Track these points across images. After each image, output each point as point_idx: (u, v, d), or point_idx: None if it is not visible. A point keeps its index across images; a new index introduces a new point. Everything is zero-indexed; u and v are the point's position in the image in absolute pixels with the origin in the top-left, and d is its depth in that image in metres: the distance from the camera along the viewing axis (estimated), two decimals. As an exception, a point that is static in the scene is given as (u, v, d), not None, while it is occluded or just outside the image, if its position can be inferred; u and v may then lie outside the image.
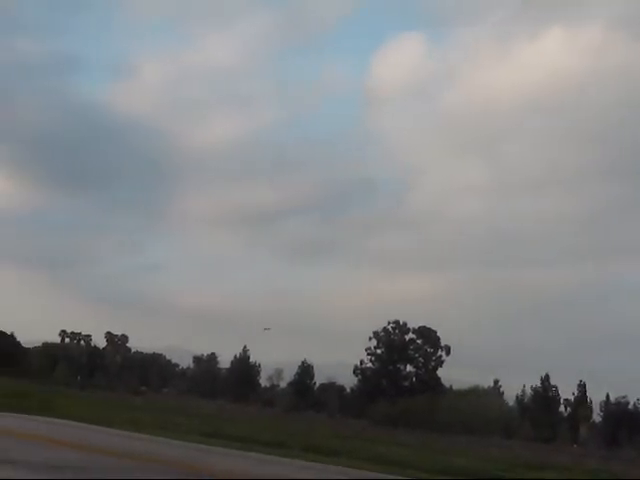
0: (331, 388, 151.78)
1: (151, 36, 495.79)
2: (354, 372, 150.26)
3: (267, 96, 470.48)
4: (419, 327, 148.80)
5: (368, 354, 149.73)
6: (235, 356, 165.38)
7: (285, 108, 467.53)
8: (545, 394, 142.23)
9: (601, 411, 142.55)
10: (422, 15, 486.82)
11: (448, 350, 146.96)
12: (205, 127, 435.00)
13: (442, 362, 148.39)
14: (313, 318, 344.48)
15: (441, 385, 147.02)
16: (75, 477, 17.24)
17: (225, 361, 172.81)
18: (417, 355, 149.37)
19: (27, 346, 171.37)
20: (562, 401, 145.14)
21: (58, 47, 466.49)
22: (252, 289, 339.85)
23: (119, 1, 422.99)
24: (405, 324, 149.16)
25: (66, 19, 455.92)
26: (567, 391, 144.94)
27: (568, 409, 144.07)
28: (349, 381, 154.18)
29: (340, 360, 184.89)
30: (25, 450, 21.66)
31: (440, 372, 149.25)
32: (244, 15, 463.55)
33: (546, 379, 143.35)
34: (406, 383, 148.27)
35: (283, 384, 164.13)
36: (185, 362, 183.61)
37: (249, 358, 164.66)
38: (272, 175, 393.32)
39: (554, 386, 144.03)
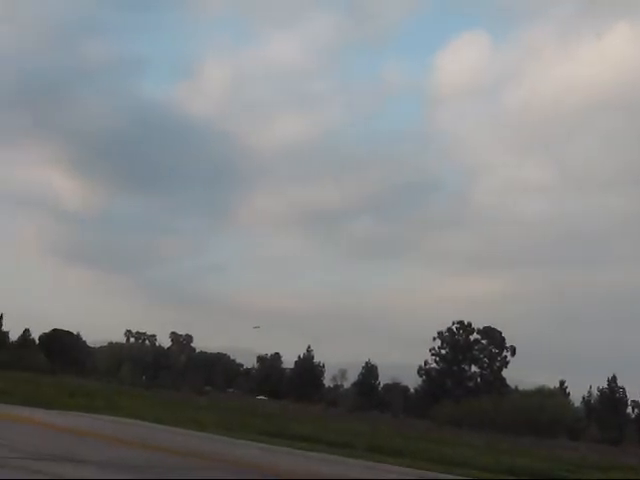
0: (395, 388, 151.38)
1: (216, 36, 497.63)
2: (418, 372, 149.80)
3: (331, 96, 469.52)
4: (484, 327, 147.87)
5: (432, 354, 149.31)
6: (299, 356, 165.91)
7: (348, 107, 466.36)
8: (612, 395, 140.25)
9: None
10: (485, 13, 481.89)
11: (513, 351, 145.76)
12: (269, 127, 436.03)
13: (507, 363, 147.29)
14: (377, 318, 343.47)
15: (506, 386, 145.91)
16: (141, 476, 17.33)
17: (289, 361, 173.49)
18: (482, 356, 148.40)
19: (93, 346, 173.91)
20: (630, 403, 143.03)
21: (123, 48, 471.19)
22: (316, 289, 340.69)
23: (184, 1, 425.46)
24: (470, 324, 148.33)
25: (131, 19, 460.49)
26: (635, 393, 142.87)
27: (636, 410, 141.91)
28: (413, 381, 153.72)
29: (404, 360, 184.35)
30: (92, 449, 21.87)
31: (505, 373, 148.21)
32: (308, 14, 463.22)
33: (613, 380, 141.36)
34: (471, 384, 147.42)
35: (347, 384, 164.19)
36: (249, 362, 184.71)
37: (313, 358, 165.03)
38: (336, 175, 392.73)
39: (621, 387, 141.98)
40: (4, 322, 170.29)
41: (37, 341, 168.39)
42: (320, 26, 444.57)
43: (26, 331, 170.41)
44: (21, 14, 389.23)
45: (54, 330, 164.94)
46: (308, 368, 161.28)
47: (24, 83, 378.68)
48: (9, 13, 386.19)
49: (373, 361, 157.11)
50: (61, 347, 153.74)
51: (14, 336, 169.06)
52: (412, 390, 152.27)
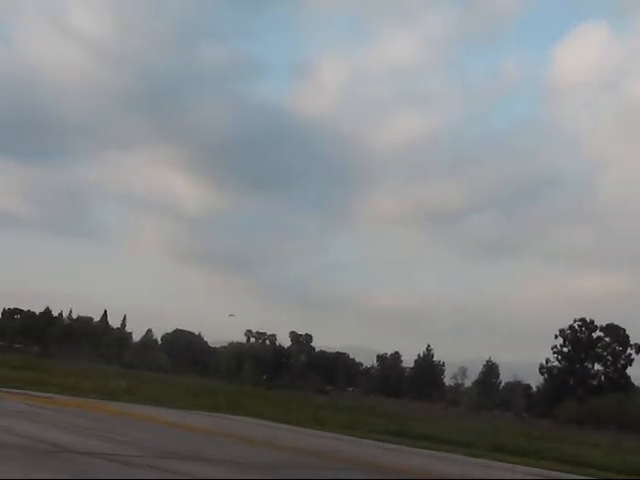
0: (516, 387, 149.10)
1: (331, 35, 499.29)
2: (540, 371, 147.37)
3: (446, 92, 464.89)
4: (606, 325, 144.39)
5: (554, 352, 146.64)
6: (419, 355, 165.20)
7: (464, 104, 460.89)
8: None
9: None
10: (603, 4, 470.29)
11: (638, 348, 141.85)
12: (386, 126, 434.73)
13: (632, 360, 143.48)
14: (497, 316, 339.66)
15: (631, 384, 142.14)
16: (268, 475, 17.46)
17: (409, 360, 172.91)
18: (605, 353, 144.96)
19: (214, 346, 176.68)
20: None
21: (240, 50, 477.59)
22: (436, 288, 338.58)
23: (300, 2, 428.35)
24: (592, 322, 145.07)
25: (247, 21, 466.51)
26: None
27: None
28: (535, 380, 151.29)
29: (525, 358, 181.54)
30: (217, 448, 22.16)
31: (630, 371, 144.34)
32: (423, 11, 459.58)
33: None
34: (594, 382, 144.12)
35: (467, 383, 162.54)
36: (369, 361, 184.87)
37: (433, 357, 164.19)
38: (454, 173, 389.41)
39: None
40: (127, 323, 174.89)
41: (159, 341, 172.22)
42: (435, 22, 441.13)
43: (149, 331, 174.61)
44: (140, 18, 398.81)
45: (176, 330, 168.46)
46: (428, 367, 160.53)
47: (145, 86, 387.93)
48: (129, 17, 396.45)
49: (494, 359, 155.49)
50: (183, 347, 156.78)
51: (137, 336, 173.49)
52: (534, 389, 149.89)
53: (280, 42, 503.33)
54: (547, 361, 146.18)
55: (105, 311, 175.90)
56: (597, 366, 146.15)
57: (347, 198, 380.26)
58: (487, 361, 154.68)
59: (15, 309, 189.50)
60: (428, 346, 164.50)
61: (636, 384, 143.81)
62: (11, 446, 15.38)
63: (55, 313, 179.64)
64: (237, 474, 16.60)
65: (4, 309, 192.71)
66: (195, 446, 21.43)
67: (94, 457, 15.48)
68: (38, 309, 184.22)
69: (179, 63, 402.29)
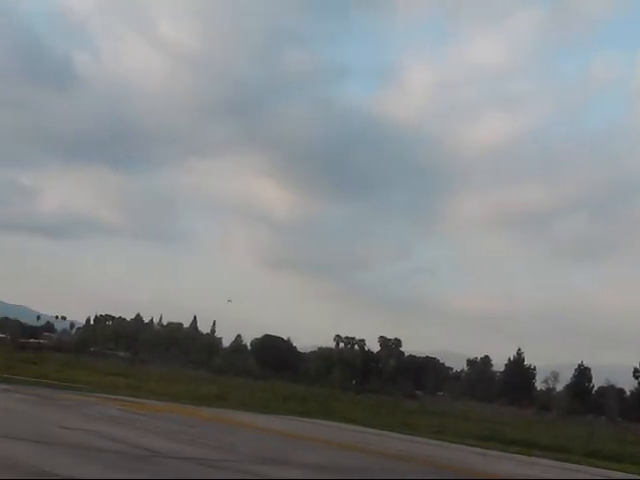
0: (610, 391, 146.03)
1: (416, 39, 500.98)
2: (634, 374, 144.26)
3: (535, 94, 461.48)
4: None
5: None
6: (509, 359, 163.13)
7: (554, 105, 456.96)
8: None
9: None
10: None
11: None
12: (473, 128, 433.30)
13: None
14: (588, 319, 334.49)
15: None
16: (349, 478, 17.46)
17: (499, 364, 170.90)
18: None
19: (303, 351, 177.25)
20: None
21: (325, 56, 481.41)
22: (525, 291, 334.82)
23: (384, 6, 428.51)
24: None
25: (332, 27, 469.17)
26: None
27: None
28: (629, 384, 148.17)
29: (618, 362, 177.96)
30: (309, 452, 22.22)
31: None
32: (510, 13, 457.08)
33: None
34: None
35: (559, 387, 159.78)
36: (459, 365, 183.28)
37: (523, 361, 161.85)
38: (542, 174, 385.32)
39: None
40: (217, 328, 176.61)
41: (249, 346, 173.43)
42: (523, 24, 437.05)
43: (238, 337, 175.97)
44: (226, 27, 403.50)
45: (265, 335, 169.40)
46: (518, 371, 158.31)
47: (232, 95, 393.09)
48: (216, 27, 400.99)
49: (586, 363, 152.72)
50: (272, 352, 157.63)
51: (227, 342, 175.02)
52: (628, 393, 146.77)
53: (364, 46, 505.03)
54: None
55: (195, 317, 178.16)
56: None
57: (433, 201, 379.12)
58: (579, 365, 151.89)
59: (107, 315, 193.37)
60: (519, 350, 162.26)
61: None
62: (106, 450, 15.68)
63: (146, 319, 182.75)
64: (315, 476, 16.63)
65: (96, 316, 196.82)
66: (286, 451, 21.53)
67: (187, 462, 15.68)
68: (129, 315, 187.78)
69: (265, 70, 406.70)
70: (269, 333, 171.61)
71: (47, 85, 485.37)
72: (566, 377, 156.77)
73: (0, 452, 13.08)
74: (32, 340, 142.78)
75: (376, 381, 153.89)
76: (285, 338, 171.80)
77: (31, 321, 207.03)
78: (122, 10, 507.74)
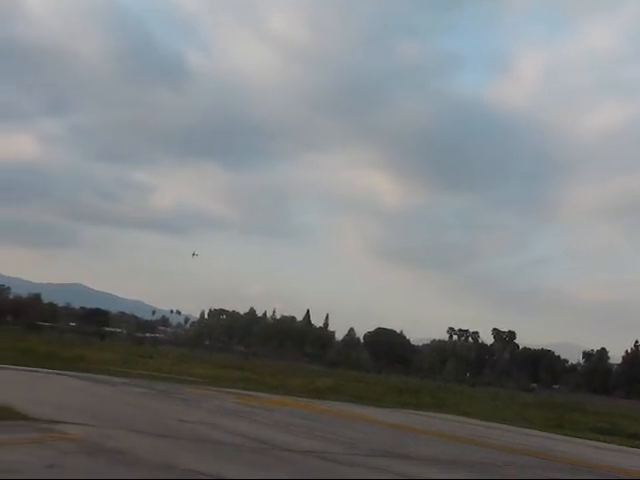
0: None
1: (528, 27, 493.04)
2: None
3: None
4: None
5: None
6: (626, 351, 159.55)
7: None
8: None
9: None
10: None
11: None
12: (588, 116, 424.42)
13: None
14: None
15: None
16: (469, 472, 17.31)
17: (616, 356, 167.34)
18: None
19: (416, 344, 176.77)
20: None
21: (437, 46, 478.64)
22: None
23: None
24: None
25: (443, 16, 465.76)
26: None
27: None
28: None
29: None
30: (423, 445, 22.16)
31: None
32: None
33: None
34: None
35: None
36: (574, 358, 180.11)
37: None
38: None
39: None
40: (330, 322, 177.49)
41: (362, 340, 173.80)
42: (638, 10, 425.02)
43: (351, 330, 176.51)
44: (336, 19, 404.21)
45: (378, 329, 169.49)
46: (637, 363, 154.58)
47: (344, 88, 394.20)
48: (326, 19, 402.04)
49: None
50: (385, 345, 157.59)
51: (340, 335, 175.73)
52: None
53: (477, 36, 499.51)
54: None
55: (307, 310, 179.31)
56: None
57: (548, 191, 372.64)
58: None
59: (220, 309, 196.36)
60: (636, 342, 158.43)
61: None
62: (226, 443, 15.91)
63: (259, 313, 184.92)
64: (445, 473, 16.54)
65: (210, 310, 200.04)
66: (402, 444, 21.49)
67: (305, 455, 15.80)
68: (242, 309, 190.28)
69: (376, 62, 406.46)
70: (382, 326, 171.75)
71: (160, 83, 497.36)
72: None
73: (123, 445, 13.40)
74: (148, 334, 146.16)
75: (490, 374, 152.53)
76: (398, 331, 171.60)
77: (147, 316, 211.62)
78: (232, 6, 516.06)
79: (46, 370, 33.05)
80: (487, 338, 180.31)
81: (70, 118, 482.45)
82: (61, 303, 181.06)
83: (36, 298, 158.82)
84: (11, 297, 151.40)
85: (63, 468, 10.77)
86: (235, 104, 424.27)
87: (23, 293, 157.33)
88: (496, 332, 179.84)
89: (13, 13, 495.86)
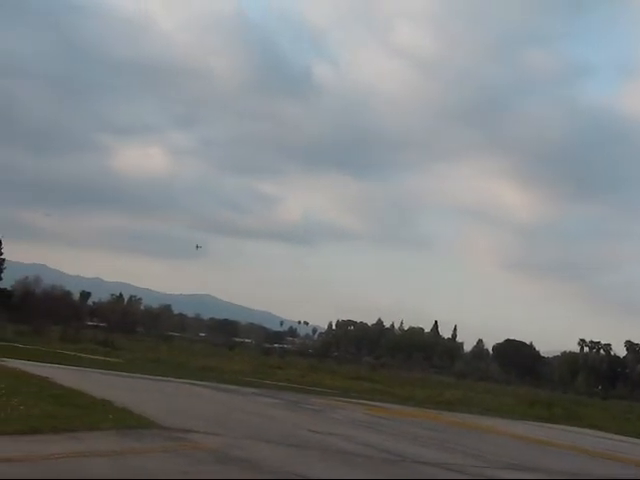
0: None
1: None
2: None
3: None
4: None
5: None
6: None
7: None
8: None
9: None
10: None
11: None
12: None
13: None
14: None
15: None
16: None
17: None
18: None
19: (546, 356, 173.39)
20: None
21: (565, 53, 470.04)
22: None
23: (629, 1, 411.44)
24: None
25: (570, 23, 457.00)
26: None
27: None
28: None
29: None
30: (554, 459, 21.77)
31: None
32: None
33: None
34: None
35: None
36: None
37: None
38: None
39: None
40: (458, 333, 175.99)
41: (490, 351, 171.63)
42: None
43: (479, 342, 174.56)
44: (463, 30, 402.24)
45: (507, 340, 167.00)
46: None
47: (472, 98, 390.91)
48: (453, 31, 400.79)
49: None
50: (514, 357, 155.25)
51: (468, 347, 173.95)
52: None
53: (605, 43, 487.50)
54: None
55: (435, 322, 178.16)
56: None
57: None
58: None
59: (348, 320, 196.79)
60: None
61: None
62: (354, 454, 16.00)
63: (387, 324, 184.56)
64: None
65: (338, 321, 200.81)
66: (533, 457, 21.19)
67: (432, 467, 15.77)
68: (370, 320, 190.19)
69: (505, 72, 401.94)
70: (511, 338, 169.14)
71: (287, 95, 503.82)
72: None
73: (253, 455, 13.64)
74: (276, 345, 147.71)
75: (623, 387, 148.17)
76: (527, 342, 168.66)
77: (275, 326, 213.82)
78: (358, 19, 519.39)
79: (177, 380, 33.87)
80: (620, 350, 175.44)
81: (200, 131, 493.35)
82: (191, 314, 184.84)
83: (166, 309, 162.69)
84: (142, 308, 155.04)
85: (196, 476, 11.07)
86: (362, 115, 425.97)
87: (154, 304, 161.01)
88: (629, 344, 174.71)
89: (146, 30, 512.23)
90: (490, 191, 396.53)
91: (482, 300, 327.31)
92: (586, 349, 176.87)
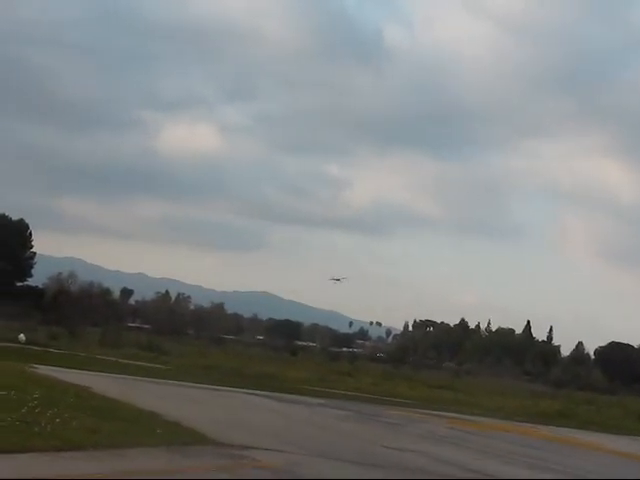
0: None
1: None
2: None
3: None
4: None
5: None
6: None
7: None
8: None
9: None
10: None
11: None
12: None
13: None
14: None
15: None
16: None
17: None
18: None
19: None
20: None
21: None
22: None
23: None
24: None
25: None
26: None
27: None
28: None
29: None
30: None
31: None
32: None
33: None
34: None
35: None
36: None
37: None
38: None
39: None
40: (554, 335, 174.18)
41: (592, 356, 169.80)
42: None
43: (579, 344, 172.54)
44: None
45: (612, 343, 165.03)
46: None
47: (570, 63, 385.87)
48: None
49: None
50: (620, 362, 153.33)
51: (566, 350, 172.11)
52: None
53: None
54: None
55: (528, 322, 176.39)
56: None
57: None
58: None
59: (427, 321, 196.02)
60: None
61: None
62: (437, 474, 15.91)
63: (471, 325, 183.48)
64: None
65: (415, 321, 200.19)
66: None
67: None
68: (452, 320, 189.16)
69: (608, 31, 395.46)
70: (616, 340, 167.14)
71: (356, 63, 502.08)
72: None
73: (320, 475, 13.62)
74: (345, 349, 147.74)
75: None
76: (635, 346, 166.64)
77: (343, 328, 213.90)
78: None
79: (232, 389, 34.03)
80: None
81: (254, 106, 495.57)
82: (247, 314, 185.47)
83: (219, 308, 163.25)
84: (192, 307, 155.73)
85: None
86: (441, 85, 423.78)
87: (205, 303, 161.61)
88: None
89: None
90: (593, 171, 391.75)
91: (582, 297, 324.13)
92: None
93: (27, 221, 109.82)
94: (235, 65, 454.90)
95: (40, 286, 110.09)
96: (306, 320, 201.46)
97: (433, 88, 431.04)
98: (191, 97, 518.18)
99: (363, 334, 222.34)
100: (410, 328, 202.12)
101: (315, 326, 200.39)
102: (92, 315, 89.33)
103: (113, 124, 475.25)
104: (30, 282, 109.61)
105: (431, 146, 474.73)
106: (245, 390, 33.92)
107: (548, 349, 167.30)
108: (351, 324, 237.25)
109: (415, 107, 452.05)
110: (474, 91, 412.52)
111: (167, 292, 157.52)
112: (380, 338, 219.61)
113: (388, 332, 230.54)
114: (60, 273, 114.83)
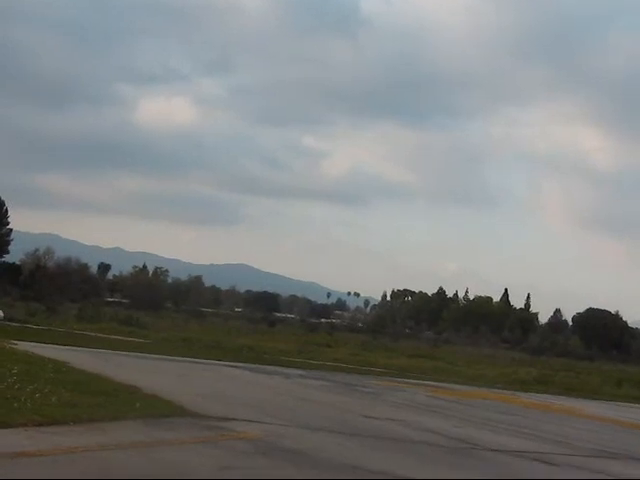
0: None
1: None
2: None
3: None
4: None
5: None
6: None
7: None
8: None
9: None
10: None
11: None
12: None
13: None
14: None
15: None
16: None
17: None
18: None
19: (635, 326, 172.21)
20: None
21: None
22: None
23: None
24: None
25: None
26: None
27: None
28: None
29: None
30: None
31: None
32: None
33: None
34: None
35: None
36: None
37: None
38: None
39: None
40: (531, 302, 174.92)
41: (570, 322, 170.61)
42: None
43: (557, 312, 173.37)
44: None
45: (589, 309, 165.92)
46: None
47: (547, 29, 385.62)
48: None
49: None
50: (598, 329, 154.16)
51: (543, 318, 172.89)
52: None
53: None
54: None
55: (505, 290, 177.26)
56: None
57: None
58: None
59: (405, 290, 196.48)
60: None
61: None
62: (419, 442, 15.92)
63: (450, 293, 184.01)
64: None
65: (393, 291, 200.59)
66: (626, 443, 21.00)
67: (509, 455, 15.65)
68: (431, 290, 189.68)
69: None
70: (593, 306, 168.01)
71: (332, 33, 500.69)
72: None
73: (301, 445, 13.58)
74: (323, 320, 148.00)
75: None
76: (613, 312, 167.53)
77: (321, 299, 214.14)
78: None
79: (211, 361, 34.02)
80: None
81: (231, 78, 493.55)
82: (225, 286, 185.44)
83: (197, 281, 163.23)
84: (170, 281, 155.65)
85: (238, 470, 11.00)
86: (418, 53, 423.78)
87: (183, 276, 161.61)
88: None
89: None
90: (569, 138, 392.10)
91: (559, 264, 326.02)
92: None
93: (3, 198, 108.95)
94: (213, 38, 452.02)
95: (17, 262, 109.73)
96: (284, 292, 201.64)
97: (411, 57, 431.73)
98: (169, 71, 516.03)
99: (341, 305, 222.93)
100: (388, 298, 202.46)
101: (293, 297, 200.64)
102: (70, 291, 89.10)
103: (90, 99, 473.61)
104: (7, 259, 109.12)
105: (409, 115, 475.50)
106: (224, 362, 33.91)
107: (526, 316, 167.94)
108: (329, 295, 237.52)
109: (393, 77, 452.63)
110: (452, 58, 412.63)
111: (144, 266, 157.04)
112: (358, 308, 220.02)
113: (366, 302, 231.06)
114: (37, 249, 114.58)
